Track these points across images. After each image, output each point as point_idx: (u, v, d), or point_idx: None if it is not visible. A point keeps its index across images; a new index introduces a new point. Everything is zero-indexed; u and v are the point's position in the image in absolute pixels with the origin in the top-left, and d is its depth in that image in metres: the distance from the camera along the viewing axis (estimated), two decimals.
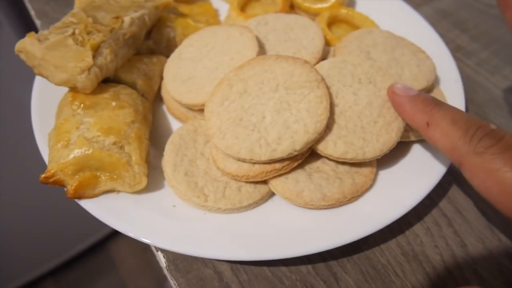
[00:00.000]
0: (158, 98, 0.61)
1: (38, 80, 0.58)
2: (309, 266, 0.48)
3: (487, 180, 0.34)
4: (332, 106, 0.47)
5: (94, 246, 1.49)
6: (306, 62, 0.48)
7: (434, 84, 0.56)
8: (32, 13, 0.78)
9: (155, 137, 0.56)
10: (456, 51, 0.74)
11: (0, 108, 1.03)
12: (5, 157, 1.11)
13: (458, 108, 0.55)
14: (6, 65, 1.00)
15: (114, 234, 1.52)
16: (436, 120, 0.40)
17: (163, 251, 0.48)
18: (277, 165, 0.46)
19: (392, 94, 0.46)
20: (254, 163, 0.46)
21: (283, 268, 0.48)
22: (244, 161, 0.46)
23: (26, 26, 0.84)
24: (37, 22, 0.76)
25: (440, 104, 0.41)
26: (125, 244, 1.56)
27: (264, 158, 0.44)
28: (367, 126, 0.47)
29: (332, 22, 0.68)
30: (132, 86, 0.56)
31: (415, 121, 0.42)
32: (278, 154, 0.44)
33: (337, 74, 0.50)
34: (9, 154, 1.11)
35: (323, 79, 0.47)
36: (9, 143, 1.08)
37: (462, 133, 0.37)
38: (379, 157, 0.48)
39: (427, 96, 0.43)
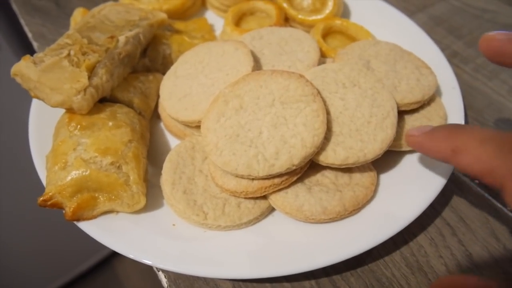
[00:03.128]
0: (155, 116, 0.61)
1: (35, 102, 0.58)
2: (313, 282, 0.47)
3: None
4: None
5: (99, 264, 1.48)
6: (301, 76, 0.48)
7: (434, 95, 0.55)
8: (30, 35, 0.79)
9: (153, 155, 0.56)
10: (452, 57, 0.74)
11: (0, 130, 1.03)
12: (7, 176, 1.11)
13: (458, 114, 0.56)
14: (6, 87, 1.00)
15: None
16: (462, 144, 0.35)
17: (164, 271, 0.48)
18: (276, 180, 0.45)
19: (408, 137, 0.43)
20: (253, 179, 0.45)
21: (286, 284, 0.47)
22: (242, 177, 0.45)
23: (26, 48, 0.85)
24: (35, 44, 0.77)
25: (461, 127, 0.37)
26: (130, 262, 1.54)
27: (262, 173, 0.44)
28: (361, 128, 0.47)
29: (327, 34, 0.69)
30: (129, 104, 0.56)
31: (440, 152, 0.38)
32: (276, 169, 0.43)
33: (320, 83, 0.50)
34: (10, 174, 1.11)
35: (319, 92, 0.47)
36: (9, 165, 1.08)
37: (496, 152, 0.32)
38: (380, 156, 0.47)
39: (444, 126, 0.39)
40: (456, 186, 0.55)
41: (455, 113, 0.56)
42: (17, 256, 1.26)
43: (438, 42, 0.72)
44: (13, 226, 1.20)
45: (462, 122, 0.55)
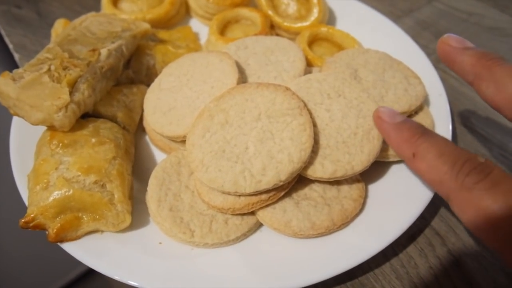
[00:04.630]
0: (140, 129, 0.60)
1: (16, 118, 0.56)
2: None
3: (477, 218, 0.33)
4: None
5: (91, 270, 1.46)
6: (287, 88, 0.47)
7: (421, 104, 0.55)
8: (10, 46, 0.77)
9: (138, 170, 0.55)
10: (439, 62, 0.74)
11: None
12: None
13: (445, 122, 0.55)
14: None
15: None
16: (422, 152, 0.38)
17: None
18: (264, 196, 0.45)
19: (377, 119, 0.45)
20: (240, 195, 0.45)
21: None
22: (229, 193, 0.45)
23: (7, 59, 0.83)
24: (16, 56, 0.75)
25: (426, 134, 0.39)
26: None
27: (249, 190, 0.43)
28: (348, 140, 0.47)
29: (313, 41, 0.68)
30: (112, 119, 0.55)
31: (401, 151, 0.41)
32: (263, 186, 0.43)
33: (305, 94, 0.50)
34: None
35: (305, 105, 0.47)
36: None
37: (449, 167, 0.35)
38: (367, 168, 0.47)
39: (413, 124, 0.41)
40: None
41: (442, 121, 0.56)
42: (14, 258, 1.25)
43: (424, 47, 0.72)
44: (10, 227, 1.19)
45: (449, 130, 0.55)
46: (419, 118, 0.54)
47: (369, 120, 0.48)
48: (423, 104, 0.56)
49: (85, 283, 1.48)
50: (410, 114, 0.54)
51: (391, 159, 0.51)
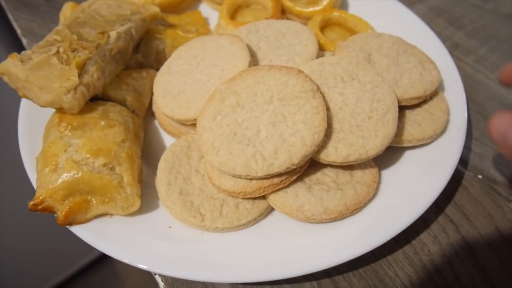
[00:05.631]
0: (149, 113, 0.59)
1: (24, 101, 0.56)
2: (314, 283, 0.46)
3: None
4: None
5: (98, 260, 1.47)
6: (300, 71, 0.46)
7: (436, 89, 0.54)
8: (18, 31, 0.76)
9: (147, 154, 0.55)
10: (454, 49, 0.73)
11: None
12: (5, 172, 1.09)
13: (461, 108, 0.54)
14: None
15: None
16: None
17: (161, 274, 0.46)
18: (275, 180, 0.44)
19: (493, 127, 0.39)
20: (251, 179, 0.44)
21: (286, 286, 0.46)
22: (240, 177, 0.44)
23: (15, 44, 0.83)
24: (24, 40, 0.75)
25: None
26: None
27: (260, 173, 0.42)
28: (362, 124, 0.46)
29: (325, 26, 0.67)
30: (122, 102, 0.55)
31: None
32: (275, 169, 0.42)
33: (318, 78, 0.49)
34: (9, 171, 1.09)
35: (318, 88, 0.46)
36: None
37: None
38: (382, 152, 0.45)
39: None
40: (459, 182, 0.53)
41: (458, 107, 0.54)
42: (16, 253, 1.25)
43: (438, 33, 0.70)
44: (11, 221, 1.19)
45: (465, 116, 0.54)
46: (434, 104, 0.53)
47: (384, 104, 0.46)
48: (438, 89, 0.55)
49: (93, 271, 1.49)
50: (425, 99, 0.53)
51: (405, 144, 0.50)
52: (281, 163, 0.42)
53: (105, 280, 1.51)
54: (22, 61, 0.48)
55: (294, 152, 0.42)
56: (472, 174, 0.55)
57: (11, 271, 1.29)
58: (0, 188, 1.12)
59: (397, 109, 0.47)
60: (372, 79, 0.49)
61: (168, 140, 0.57)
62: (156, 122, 0.58)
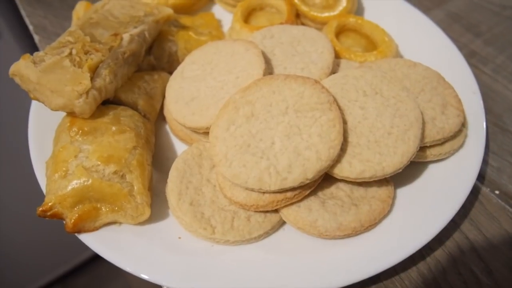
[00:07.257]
0: (160, 117, 0.58)
1: (35, 102, 0.55)
2: None
3: None
4: None
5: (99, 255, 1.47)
6: (316, 82, 0.45)
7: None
8: (31, 27, 0.76)
9: (158, 159, 0.54)
10: (471, 57, 0.71)
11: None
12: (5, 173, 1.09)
13: (479, 122, 0.52)
14: (6, 82, 0.97)
15: None
16: None
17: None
18: (289, 194, 0.43)
19: None
20: (264, 192, 0.43)
21: None
22: (252, 190, 0.43)
23: (27, 39, 0.82)
24: (36, 38, 0.74)
25: None
26: None
27: (273, 187, 0.41)
28: (381, 139, 0.44)
29: (340, 32, 0.65)
30: (133, 106, 0.54)
31: None
32: (289, 184, 0.41)
33: (339, 90, 0.47)
34: (8, 173, 1.09)
35: (335, 100, 0.44)
36: (8, 164, 1.06)
37: None
38: (400, 171, 0.44)
39: None
40: (476, 197, 0.52)
41: (477, 121, 0.53)
42: (20, 244, 1.26)
43: (455, 40, 0.68)
44: (12, 217, 1.20)
45: (484, 129, 0.52)
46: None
47: (406, 120, 0.45)
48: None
49: (96, 266, 1.49)
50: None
51: (421, 160, 0.48)
52: (295, 177, 0.41)
53: (108, 273, 1.50)
54: (34, 62, 0.48)
55: (309, 167, 0.41)
56: (488, 189, 0.53)
57: (10, 263, 1.30)
58: (8, 189, 1.12)
59: (420, 126, 0.45)
60: (397, 94, 0.47)
61: (178, 145, 0.56)
62: (167, 127, 0.57)
